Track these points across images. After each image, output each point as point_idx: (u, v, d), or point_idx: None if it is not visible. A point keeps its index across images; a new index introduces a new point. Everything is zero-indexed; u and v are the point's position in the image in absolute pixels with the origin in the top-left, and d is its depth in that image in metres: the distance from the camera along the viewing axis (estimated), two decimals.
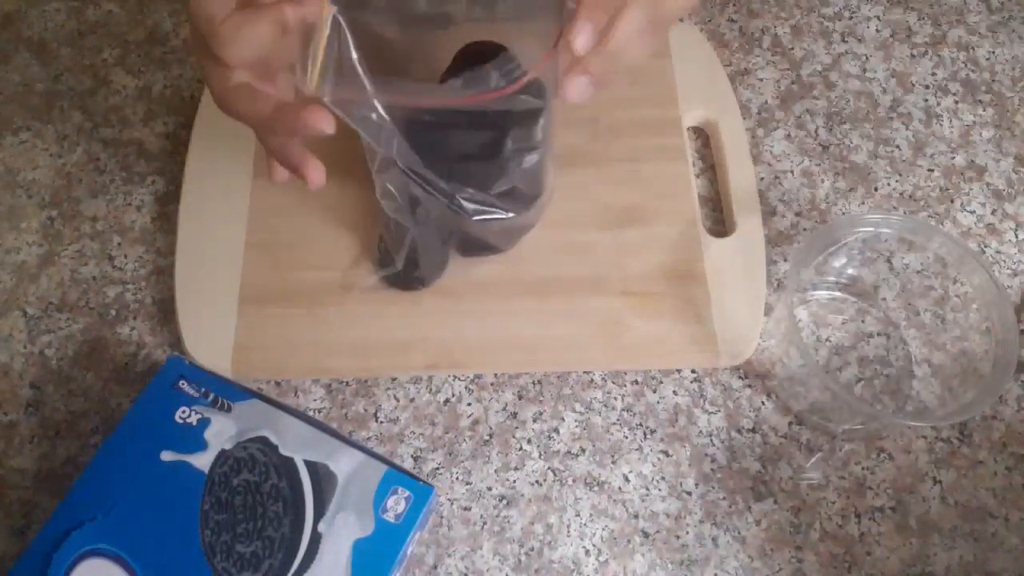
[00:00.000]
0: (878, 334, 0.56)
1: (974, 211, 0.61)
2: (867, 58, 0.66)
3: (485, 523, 0.50)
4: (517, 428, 0.53)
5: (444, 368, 0.54)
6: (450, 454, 0.52)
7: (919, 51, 0.67)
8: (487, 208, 0.47)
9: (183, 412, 0.47)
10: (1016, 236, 0.60)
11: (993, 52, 0.67)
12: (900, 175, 0.62)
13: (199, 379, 0.48)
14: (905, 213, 0.60)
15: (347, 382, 0.54)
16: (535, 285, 0.56)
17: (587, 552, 0.50)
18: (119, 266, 0.58)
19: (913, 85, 0.65)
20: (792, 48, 0.67)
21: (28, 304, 0.56)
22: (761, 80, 0.65)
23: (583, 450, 0.52)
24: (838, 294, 0.57)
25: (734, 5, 0.68)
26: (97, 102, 0.63)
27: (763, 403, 0.54)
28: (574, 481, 0.51)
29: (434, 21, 0.46)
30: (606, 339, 0.54)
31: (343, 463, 0.46)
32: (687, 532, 0.50)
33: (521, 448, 0.52)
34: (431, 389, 0.54)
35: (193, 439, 0.47)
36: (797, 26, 0.68)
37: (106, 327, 0.55)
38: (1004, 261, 0.59)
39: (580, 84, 0.37)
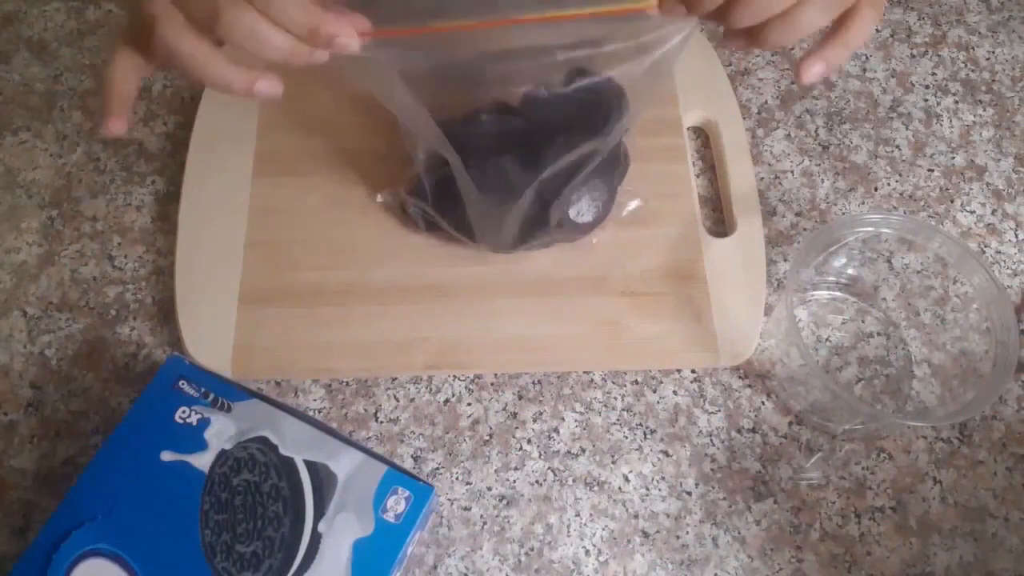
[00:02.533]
0: (878, 334, 0.56)
1: (974, 211, 0.61)
2: (867, 58, 0.66)
3: (485, 523, 0.50)
4: (517, 428, 0.53)
5: (444, 368, 0.54)
6: (450, 454, 0.52)
7: (919, 51, 0.67)
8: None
9: (183, 412, 0.47)
10: (1016, 236, 0.60)
11: (993, 52, 0.67)
12: (900, 175, 0.62)
13: (199, 379, 0.48)
14: (905, 213, 0.60)
15: (347, 382, 0.54)
16: (535, 285, 0.56)
17: (587, 552, 0.50)
18: (119, 266, 0.58)
19: (913, 85, 0.65)
20: (792, 48, 0.67)
21: (28, 304, 0.56)
22: (761, 80, 0.65)
23: (583, 450, 0.52)
24: (838, 294, 0.57)
25: None
26: (97, 102, 0.63)
27: (763, 403, 0.54)
28: (574, 481, 0.51)
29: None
30: (606, 339, 0.54)
31: (343, 463, 0.46)
32: (687, 532, 0.50)
33: (521, 448, 0.52)
34: (431, 389, 0.54)
35: (193, 439, 0.46)
36: None
37: (106, 327, 0.55)
38: (1004, 261, 0.59)
39: (817, 70, 0.41)
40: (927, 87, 0.65)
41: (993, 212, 0.61)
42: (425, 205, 0.54)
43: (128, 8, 0.41)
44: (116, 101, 0.42)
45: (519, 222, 0.53)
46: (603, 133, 0.49)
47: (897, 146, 0.63)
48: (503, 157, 0.51)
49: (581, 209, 0.53)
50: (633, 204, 0.57)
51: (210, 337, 0.54)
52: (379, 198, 0.58)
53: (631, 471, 0.52)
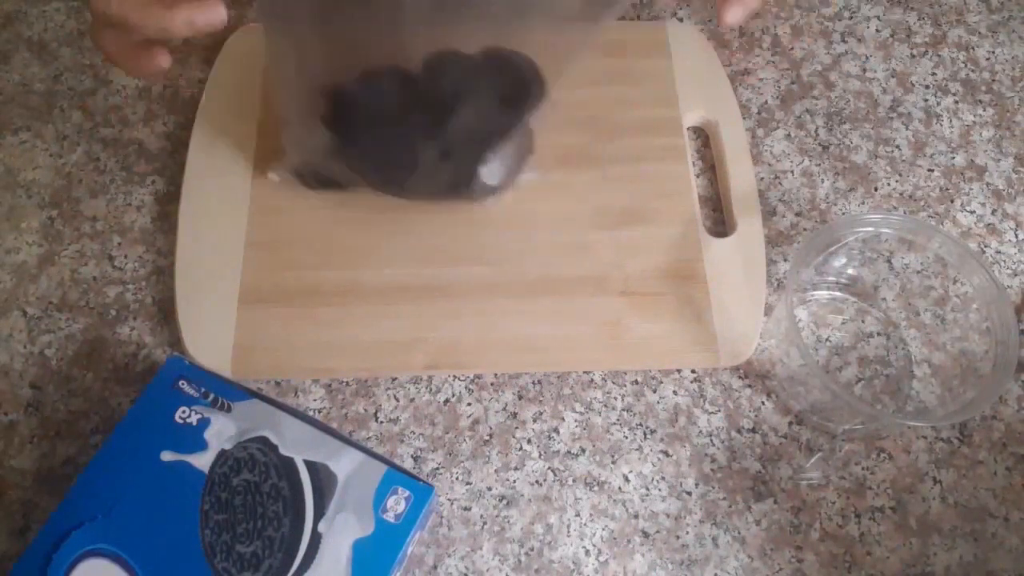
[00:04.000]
0: (878, 334, 0.56)
1: (974, 211, 0.61)
2: (867, 58, 0.66)
3: (485, 523, 0.50)
4: (517, 428, 0.53)
5: (444, 368, 0.54)
6: (450, 454, 0.52)
7: (919, 51, 0.67)
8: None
9: (183, 412, 0.47)
10: (1016, 236, 0.60)
11: (993, 52, 0.67)
12: (900, 175, 0.62)
13: (199, 379, 0.48)
14: (905, 213, 0.60)
15: (347, 382, 0.54)
16: (535, 285, 0.56)
17: (587, 552, 0.50)
18: (119, 266, 0.58)
19: (913, 85, 0.65)
20: (792, 48, 0.67)
21: (28, 304, 0.56)
22: (761, 80, 0.65)
23: (583, 450, 0.52)
24: (838, 294, 0.57)
25: None
26: (97, 102, 0.63)
27: (763, 403, 0.54)
28: (574, 481, 0.51)
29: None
30: (606, 339, 0.54)
31: (343, 463, 0.46)
32: (687, 532, 0.50)
33: (521, 448, 0.52)
34: (431, 389, 0.54)
35: (193, 439, 0.47)
36: (797, 26, 0.68)
37: (106, 327, 0.55)
38: (1004, 261, 0.59)
39: (737, 11, 0.44)
40: (927, 87, 0.65)
41: (993, 212, 0.61)
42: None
43: None
44: (119, 57, 0.43)
45: (420, 177, 0.53)
46: (520, 112, 0.50)
47: (897, 146, 0.63)
48: (401, 128, 0.51)
49: (493, 170, 0.54)
50: (528, 175, 0.57)
51: (210, 337, 0.54)
52: (272, 175, 0.58)
53: (631, 471, 0.52)
